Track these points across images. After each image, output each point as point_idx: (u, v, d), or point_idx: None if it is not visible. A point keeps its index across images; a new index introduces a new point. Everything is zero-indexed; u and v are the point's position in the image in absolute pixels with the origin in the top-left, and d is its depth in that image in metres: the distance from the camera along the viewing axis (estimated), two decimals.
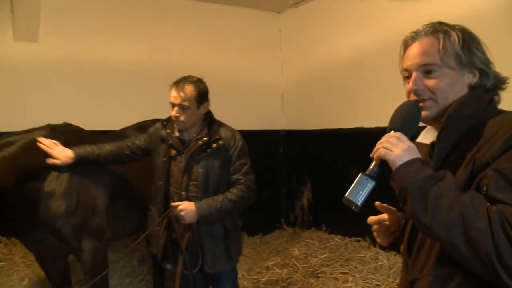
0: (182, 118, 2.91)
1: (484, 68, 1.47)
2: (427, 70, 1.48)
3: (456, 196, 1.23)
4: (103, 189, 3.29)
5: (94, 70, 5.08)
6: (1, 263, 4.59)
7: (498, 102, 1.50)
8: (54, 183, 3.05)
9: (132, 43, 5.32)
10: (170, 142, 3.01)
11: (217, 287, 3.22)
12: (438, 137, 1.44)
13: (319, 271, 4.68)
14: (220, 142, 2.94)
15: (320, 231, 5.73)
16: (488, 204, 1.21)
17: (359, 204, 1.43)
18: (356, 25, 5.24)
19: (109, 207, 3.28)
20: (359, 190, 1.44)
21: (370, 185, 1.43)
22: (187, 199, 2.93)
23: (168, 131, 3.04)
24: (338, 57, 5.52)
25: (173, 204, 2.88)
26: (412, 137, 1.48)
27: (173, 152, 3.01)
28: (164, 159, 3.01)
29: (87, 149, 3.13)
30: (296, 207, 6.17)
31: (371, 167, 1.45)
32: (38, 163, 3.00)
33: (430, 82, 1.47)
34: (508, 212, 1.17)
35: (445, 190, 1.25)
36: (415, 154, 1.38)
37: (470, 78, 1.47)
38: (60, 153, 3.02)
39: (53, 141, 3.04)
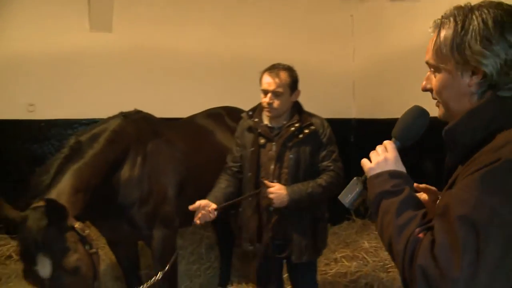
0: (275, 104, 2.87)
1: (481, 67, 1.22)
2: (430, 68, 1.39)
3: (394, 216, 1.25)
4: (173, 177, 3.31)
5: (165, 58, 5.15)
6: None
7: None
8: (128, 172, 3.07)
9: (203, 31, 5.34)
10: (259, 130, 2.97)
11: (295, 277, 3.17)
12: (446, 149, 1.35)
13: (389, 265, 4.48)
14: (312, 127, 2.89)
15: None
16: (417, 229, 1.19)
17: (346, 205, 1.57)
18: (432, 9, 4.93)
19: (178, 195, 3.29)
20: (348, 193, 1.57)
21: (358, 189, 1.54)
22: None
23: (256, 120, 3.00)
24: (412, 42, 5.22)
25: (266, 182, 2.85)
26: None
27: (262, 140, 2.97)
28: (253, 148, 2.97)
29: (218, 194, 3.00)
30: (366, 198, 5.97)
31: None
32: (120, 154, 3.03)
33: (432, 82, 1.38)
34: (424, 241, 1.14)
35: (391, 208, 1.27)
36: (390, 166, 1.39)
37: (473, 79, 1.25)
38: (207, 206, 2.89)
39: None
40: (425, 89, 1.42)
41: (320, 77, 5.89)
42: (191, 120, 4.06)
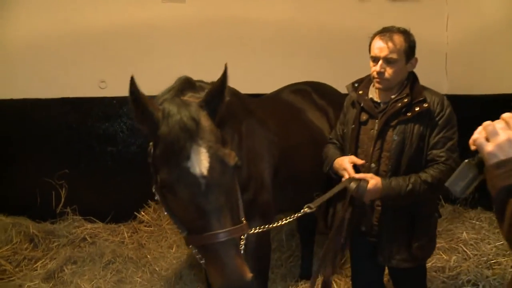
0: (387, 74, 2.41)
1: None
2: None
3: None
4: (268, 161, 2.90)
5: (242, 30, 4.82)
6: (151, 228, 4.59)
7: None
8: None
9: (281, 1, 4.93)
10: (361, 105, 2.54)
11: (396, 283, 2.75)
12: None
13: (494, 261, 3.97)
14: (425, 105, 2.39)
15: (489, 211, 4.94)
16: None
17: (456, 194, 1.38)
18: None
19: (273, 181, 2.91)
20: (459, 179, 1.37)
21: (471, 175, 1.33)
22: (377, 173, 2.46)
23: (360, 92, 2.57)
24: None
25: (359, 177, 2.41)
26: None
27: (364, 116, 2.54)
28: (353, 125, 2.56)
29: None
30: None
31: (478, 154, 1.27)
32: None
33: None
34: None
35: None
36: None
37: None
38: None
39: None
40: None
41: None
42: (277, 97, 3.66)
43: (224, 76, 2.00)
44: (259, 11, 4.82)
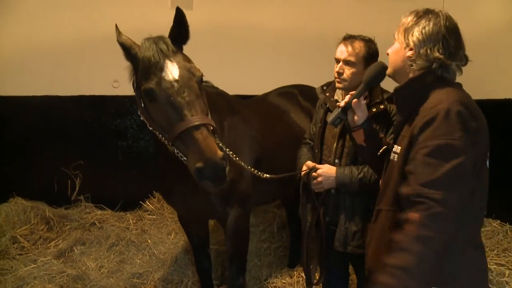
0: (345, 75, 2.69)
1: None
2: None
3: None
4: (249, 155, 3.22)
5: (244, 36, 5.11)
6: (154, 217, 4.98)
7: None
8: None
9: (283, 8, 5.21)
10: (327, 106, 2.85)
11: (356, 267, 2.99)
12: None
13: None
14: (381, 106, 2.66)
15: None
16: None
17: (328, 123, 2.56)
18: None
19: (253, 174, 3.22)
20: (332, 115, 2.42)
21: (336, 112, 2.35)
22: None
23: (327, 94, 2.89)
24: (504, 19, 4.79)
25: (313, 165, 2.76)
26: None
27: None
28: (320, 124, 2.88)
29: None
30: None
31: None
32: None
33: None
34: None
35: None
36: None
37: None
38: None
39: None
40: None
41: None
42: (264, 99, 4.01)
43: (177, 16, 2.61)
44: (262, 18, 5.12)
